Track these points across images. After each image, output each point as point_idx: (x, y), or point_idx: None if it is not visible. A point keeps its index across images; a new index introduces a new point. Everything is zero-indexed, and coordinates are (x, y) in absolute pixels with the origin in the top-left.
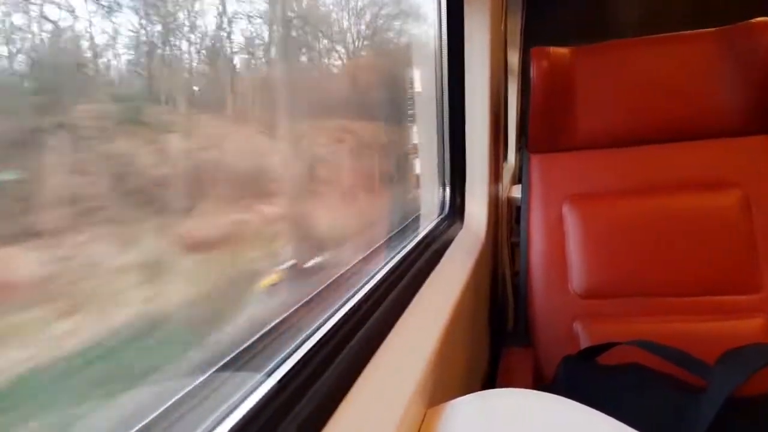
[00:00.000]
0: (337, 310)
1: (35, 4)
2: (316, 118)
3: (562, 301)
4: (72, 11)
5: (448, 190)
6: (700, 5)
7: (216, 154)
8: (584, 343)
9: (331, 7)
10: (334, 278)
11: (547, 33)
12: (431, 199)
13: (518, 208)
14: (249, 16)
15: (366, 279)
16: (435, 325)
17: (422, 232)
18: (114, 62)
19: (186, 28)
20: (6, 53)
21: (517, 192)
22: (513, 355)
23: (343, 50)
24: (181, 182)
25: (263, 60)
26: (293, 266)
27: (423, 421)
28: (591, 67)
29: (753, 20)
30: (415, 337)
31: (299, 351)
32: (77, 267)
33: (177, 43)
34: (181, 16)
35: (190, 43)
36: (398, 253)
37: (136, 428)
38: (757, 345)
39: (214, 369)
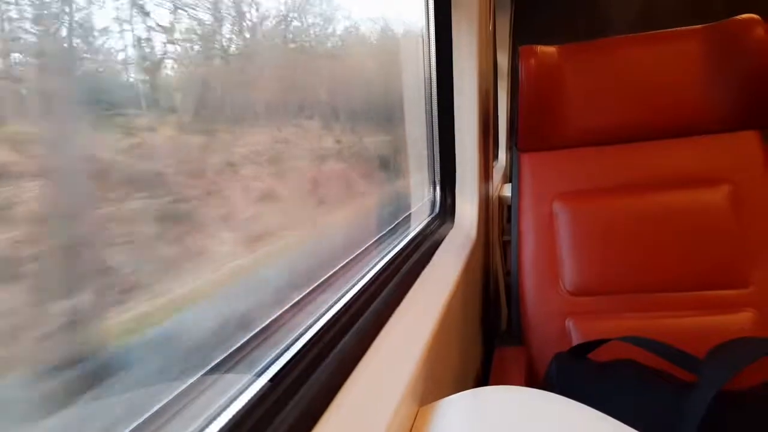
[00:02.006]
0: (328, 309)
1: None
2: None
3: (554, 299)
4: None
5: (438, 189)
6: (690, 3)
7: None
8: (576, 340)
9: None
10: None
11: (536, 32)
12: (421, 198)
13: (509, 207)
14: None
15: (357, 278)
16: (426, 324)
17: (412, 232)
18: None
19: None
20: None
21: (507, 191)
22: (506, 354)
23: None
24: None
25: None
26: None
27: (415, 419)
28: (579, 65)
29: (739, 17)
30: (406, 335)
31: (290, 350)
32: None
33: None
34: None
35: None
36: (389, 252)
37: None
38: (745, 339)
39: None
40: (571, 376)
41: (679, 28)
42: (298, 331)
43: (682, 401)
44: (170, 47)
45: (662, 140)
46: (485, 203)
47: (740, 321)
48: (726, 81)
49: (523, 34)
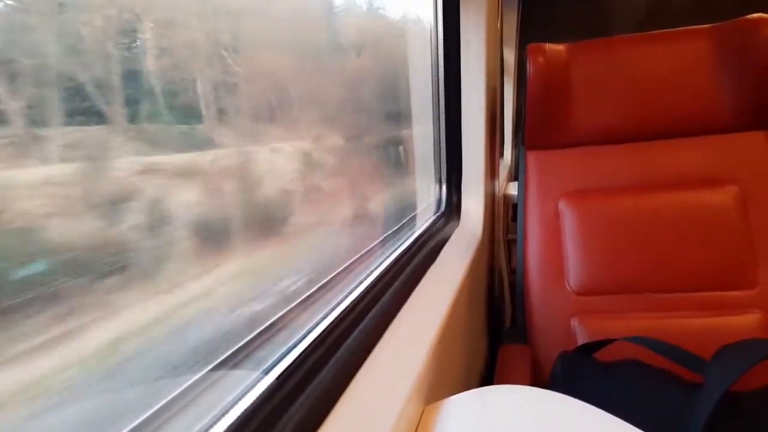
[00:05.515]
0: (334, 308)
1: None
2: None
3: (559, 298)
4: None
5: (444, 187)
6: (698, 1)
7: None
8: (581, 339)
9: None
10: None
11: (543, 30)
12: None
13: (515, 205)
14: None
15: (363, 276)
16: (432, 323)
17: (418, 230)
18: None
19: None
20: None
21: (513, 189)
22: (511, 353)
23: None
24: None
25: None
26: None
27: (421, 418)
28: (587, 63)
29: (749, 16)
30: (412, 334)
31: (296, 348)
32: None
33: None
34: None
35: None
36: (395, 250)
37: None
38: (752, 340)
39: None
40: (577, 375)
41: (688, 27)
42: (305, 330)
43: (687, 402)
44: None
45: (670, 139)
46: (491, 201)
47: (747, 322)
48: (735, 81)
49: (529, 31)
